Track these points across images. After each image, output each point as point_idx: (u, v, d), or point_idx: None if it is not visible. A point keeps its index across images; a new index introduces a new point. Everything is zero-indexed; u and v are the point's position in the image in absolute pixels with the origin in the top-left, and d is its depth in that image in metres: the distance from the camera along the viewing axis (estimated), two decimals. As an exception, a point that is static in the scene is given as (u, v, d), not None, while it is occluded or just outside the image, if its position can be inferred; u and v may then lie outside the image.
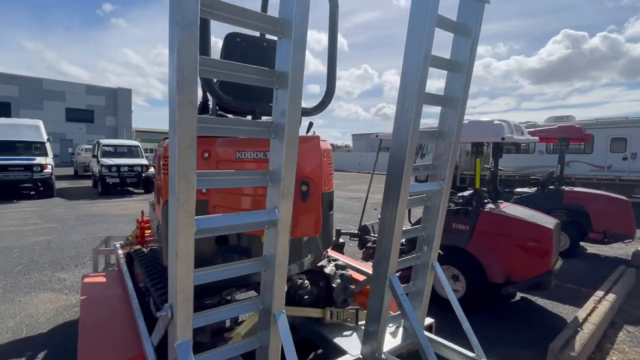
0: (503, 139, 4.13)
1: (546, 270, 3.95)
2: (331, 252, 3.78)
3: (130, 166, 14.35)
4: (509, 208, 4.51)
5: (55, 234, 7.87)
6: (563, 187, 7.06)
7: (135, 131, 32.86)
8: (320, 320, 2.58)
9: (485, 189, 4.90)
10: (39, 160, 13.22)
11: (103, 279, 2.97)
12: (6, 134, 13.84)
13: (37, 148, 14.02)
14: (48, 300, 4.50)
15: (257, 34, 2.26)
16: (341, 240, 5.80)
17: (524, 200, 6.83)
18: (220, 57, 2.06)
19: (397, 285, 1.99)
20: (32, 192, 13.89)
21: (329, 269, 2.74)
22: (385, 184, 1.99)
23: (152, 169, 15.24)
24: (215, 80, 2.05)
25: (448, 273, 4.41)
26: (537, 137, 5.44)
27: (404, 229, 2.37)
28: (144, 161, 15.22)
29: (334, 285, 2.65)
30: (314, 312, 2.53)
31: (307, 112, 2.27)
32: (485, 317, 4.12)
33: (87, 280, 2.94)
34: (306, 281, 2.68)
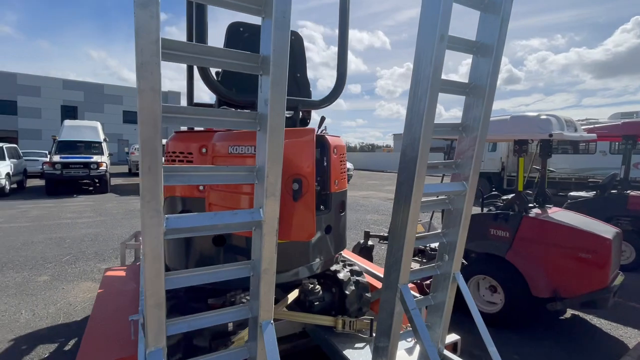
0: (551, 135, 3.66)
1: (602, 287, 3.43)
2: (355, 256, 3.59)
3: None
4: (558, 214, 4.00)
5: (103, 227, 8.44)
6: (628, 192, 6.20)
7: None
8: (332, 328, 2.40)
9: (530, 192, 4.40)
10: (96, 158, 14.37)
11: (124, 273, 3.04)
12: (69, 135, 15.25)
13: (94, 147, 15.27)
14: (87, 290, 4.78)
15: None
16: (370, 242, 5.57)
17: (580, 206, 6.10)
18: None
19: (408, 298, 1.76)
20: (90, 188, 15.15)
21: (343, 274, 2.55)
22: (396, 184, 1.78)
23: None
24: (218, 71, 1.96)
25: (485, 283, 4.02)
26: (595, 135, 4.79)
27: (422, 233, 2.12)
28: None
29: (347, 292, 2.46)
30: (324, 320, 2.37)
31: (315, 105, 2.12)
32: (526, 336, 3.68)
33: (108, 273, 3.03)
34: (317, 286, 2.52)
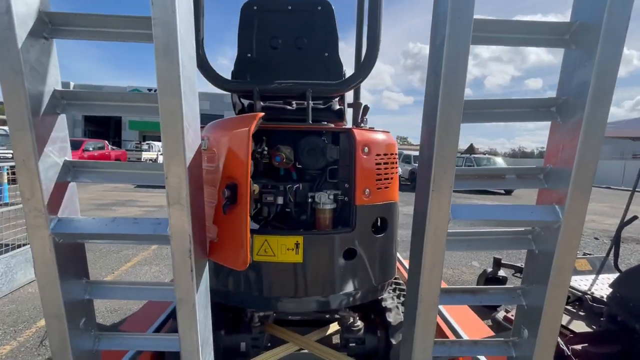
0: None
1: None
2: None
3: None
4: None
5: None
6: None
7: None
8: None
9: None
10: None
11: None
12: None
13: None
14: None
15: None
16: (501, 273, 4.31)
17: None
18: (238, 33, 1.74)
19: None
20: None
21: (394, 314, 1.93)
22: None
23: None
24: (245, 55, 1.71)
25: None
26: None
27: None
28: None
29: (393, 341, 1.83)
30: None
31: (330, 89, 1.61)
32: None
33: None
34: (358, 322, 1.98)
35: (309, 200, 1.61)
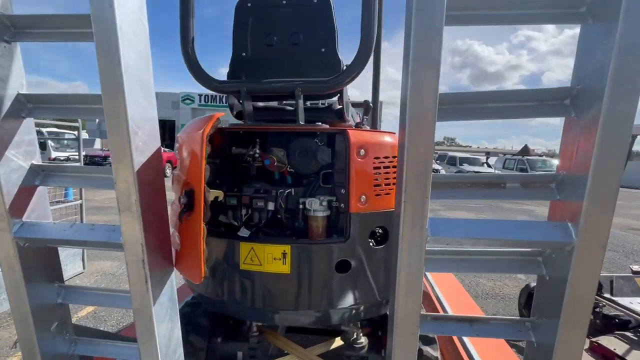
0: None
1: None
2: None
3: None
4: None
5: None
6: None
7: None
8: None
9: None
10: None
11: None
12: None
13: None
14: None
15: None
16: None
17: None
18: (233, 32, 1.68)
19: None
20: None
21: (400, 334, 1.74)
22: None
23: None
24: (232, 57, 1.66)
25: None
26: None
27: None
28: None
29: (397, 363, 1.66)
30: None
31: (321, 86, 1.47)
32: None
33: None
34: (362, 339, 1.83)
35: (300, 206, 1.50)
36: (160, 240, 1.01)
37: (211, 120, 0.99)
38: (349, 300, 1.51)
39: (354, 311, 1.54)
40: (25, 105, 1.02)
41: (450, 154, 20.41)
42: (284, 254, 1.43)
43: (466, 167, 17.69)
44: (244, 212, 1.55)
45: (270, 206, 1.51)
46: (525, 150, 31.17)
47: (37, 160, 1.07)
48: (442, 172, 17.00)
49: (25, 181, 1.03)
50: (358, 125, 1.71)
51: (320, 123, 1.55)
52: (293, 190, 1.52)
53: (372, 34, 1.39)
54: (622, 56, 0.70)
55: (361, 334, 1.83)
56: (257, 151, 1.54)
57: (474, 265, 0.96)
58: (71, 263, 5.01)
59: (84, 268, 5.28)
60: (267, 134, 1.59)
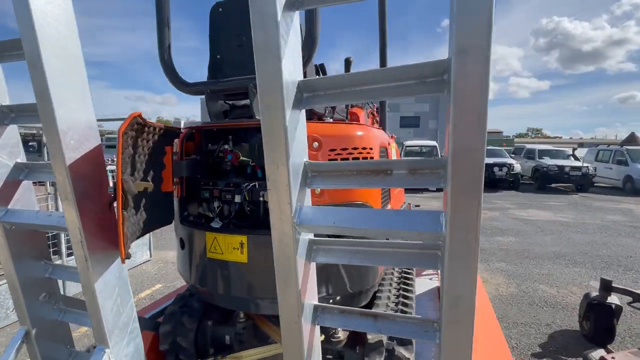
0: None
1: None
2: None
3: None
4: None
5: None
6: None
7: (453, 132, 34.05)
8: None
9: None
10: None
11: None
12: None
13: None
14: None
15: None
16: (613, 300, 3.28)
17: None
18: (209, 37, 1.79)
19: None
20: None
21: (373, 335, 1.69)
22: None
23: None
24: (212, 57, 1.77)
25: None
26: None
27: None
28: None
29: (367, 360, 1.62)
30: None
31: None
32: None
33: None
34: (340, 333, 1.82)
35: (261, 199, 1.56)
36: (99, 226, 1.16)
37: (128, 118, 1.11)
38: (322, 290, 1.53)
39: (330, 302, 1.55)
40: (8, 115, 1.25)
41: (529, 146, 18.23)
42: (242, 244, 1.51)
43: (547, 160, 15.57)
44: (216, 204, 1.67)
45: (237, 199, 1.60)
46: (632, 138, 26.32)
47: (22, 159, 1.30)
48: (518, 167, 15.30)
49: (10, 176, 1.26)
50: (321, 118, 1.70)
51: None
52: (257, 183, 1.59)
53: (315, 33, 1.38)
54: (462, 21, 0.62)
55: (340, 329, 1.82)
56: (226, 147, 1.64)
57: (370, 257, 0.91)
58: (140, 251, 5.77)
59: (150, 256, 6.02)
60: (236, 131, 1.68)
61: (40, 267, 1.39)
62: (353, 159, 1.51)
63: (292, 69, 0.79)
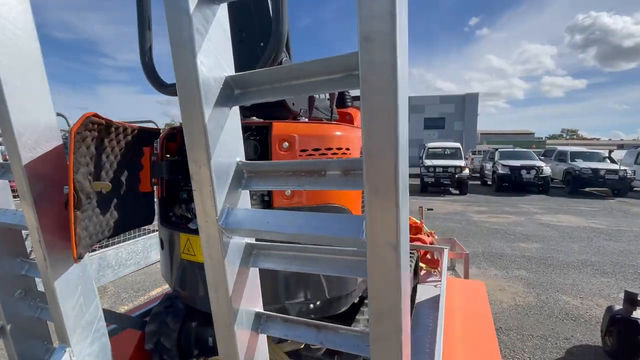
0: None
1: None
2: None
3: (445, 167, 14.76)
4: None
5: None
6: None
7: (480, 134, 32.92)
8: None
9: None
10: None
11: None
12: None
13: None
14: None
15: None
16: (639, 315, 3.01)
17: None
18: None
19: None
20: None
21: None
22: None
23: (466, 171, 14.87)
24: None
25: None
26: None
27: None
28: (461, 162, 15.12)
29: (344, 370, 1.55)
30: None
31: None
32: None
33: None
34: (319, 342, 1.75)
35: None
36: (59, 225, 1.17)
37: (81, 118, 1.12)
38: (298, 295, 1.49)
39: (309, 307, 1.51)
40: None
41: (560, 148, 17.28)
42: None
43: (579, 163, 14.68)
44: (193, 205, 1.66)
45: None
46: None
47: (-2, 159, 1.34)
48: (547, 170, 14.55)
49: (-15, 176, 1.31)
50: (296, 118, 1.65)
51: (255, 117, 1.56)
52: None
53: (282, 29, 1.34)
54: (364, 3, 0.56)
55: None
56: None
57: (307, 264, 0.85)
58: (154, 251, 5.93)
59: (165, 255, 6.18)
60: None
61: (17, 265, 1.43)
62: (326, 159, 1.45)
63: (212, 64, 0.75)
